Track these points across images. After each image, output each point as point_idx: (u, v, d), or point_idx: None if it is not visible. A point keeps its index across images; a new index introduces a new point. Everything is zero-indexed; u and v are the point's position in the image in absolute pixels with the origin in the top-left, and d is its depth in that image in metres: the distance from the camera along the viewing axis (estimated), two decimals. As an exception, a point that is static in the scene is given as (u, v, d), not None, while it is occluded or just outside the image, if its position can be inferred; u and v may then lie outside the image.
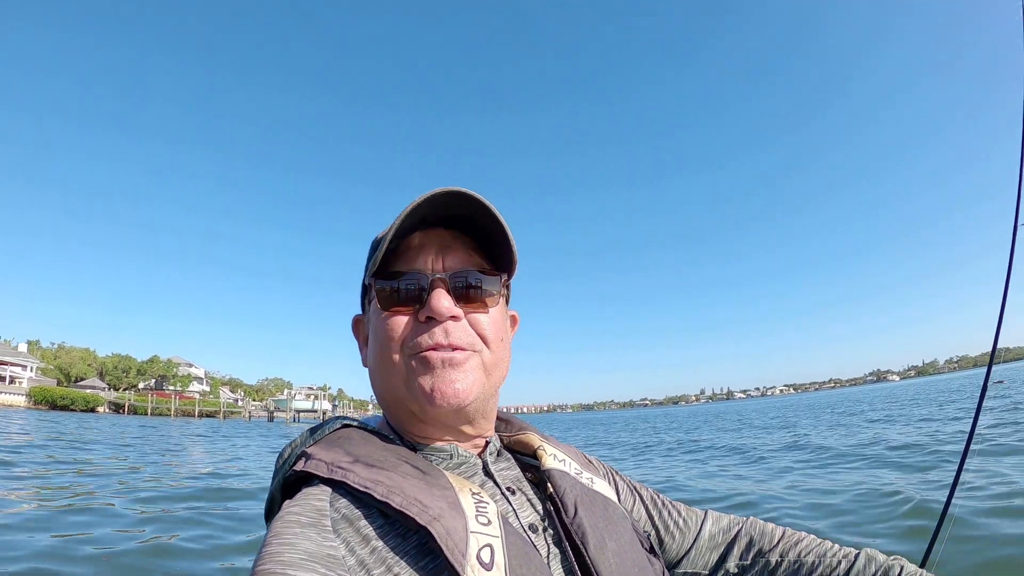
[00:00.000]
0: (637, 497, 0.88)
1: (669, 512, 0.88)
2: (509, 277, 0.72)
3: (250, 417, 76.27)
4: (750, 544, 0.86)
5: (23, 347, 74.84)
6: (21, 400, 56.01)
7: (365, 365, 0.73)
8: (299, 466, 0.61)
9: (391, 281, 0.67)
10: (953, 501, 1.09)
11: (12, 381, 61.75)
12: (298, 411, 77.67)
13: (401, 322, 0.66)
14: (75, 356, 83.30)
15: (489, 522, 0.57)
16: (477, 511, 0.58)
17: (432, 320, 0.65)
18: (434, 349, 0.65)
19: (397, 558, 0.53)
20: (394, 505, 0.54)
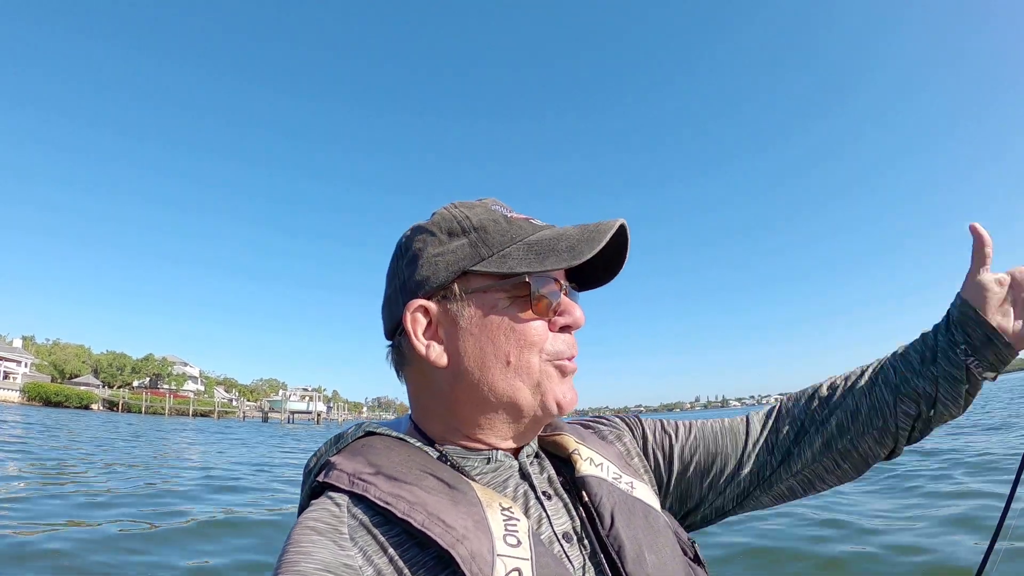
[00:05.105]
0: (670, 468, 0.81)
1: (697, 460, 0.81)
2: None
3: (244, 417, 76.20)
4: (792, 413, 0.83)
5: (18, 343, 74.55)
6: (15, 396, 55.85)
7: (432, 360, 0.64)
8: (321, 477, 0.60)
9: (547, 284, 0.64)
10: (1008, 516, 1.00)
11: (6, 377, 61.60)
12: (293, 412, 77.42)
13: (540, 327, 0.64)
14: (70, 353, 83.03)
15: (519, 543, 0.54)
16: (506, 530, 0.55)
17: (567, 329, 0.67)
18: (570, 359, 0.66)
19: (415, 569, 0.52)
20: (415, 524, 0.52)
